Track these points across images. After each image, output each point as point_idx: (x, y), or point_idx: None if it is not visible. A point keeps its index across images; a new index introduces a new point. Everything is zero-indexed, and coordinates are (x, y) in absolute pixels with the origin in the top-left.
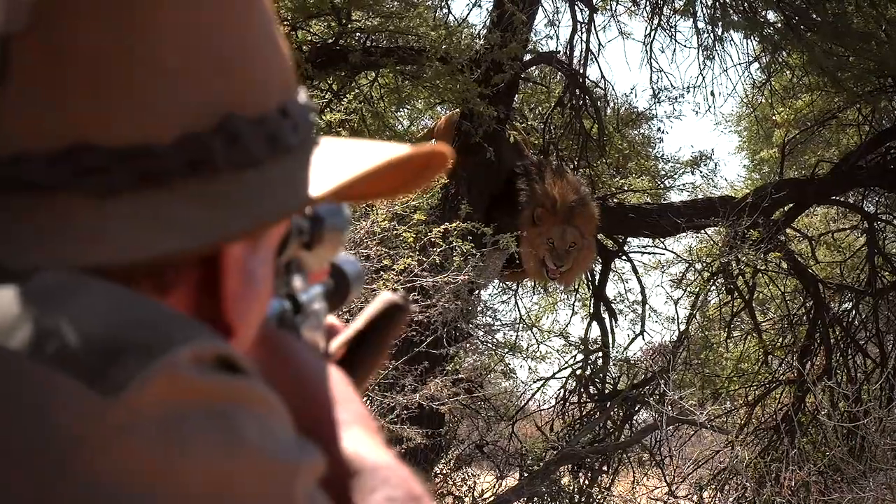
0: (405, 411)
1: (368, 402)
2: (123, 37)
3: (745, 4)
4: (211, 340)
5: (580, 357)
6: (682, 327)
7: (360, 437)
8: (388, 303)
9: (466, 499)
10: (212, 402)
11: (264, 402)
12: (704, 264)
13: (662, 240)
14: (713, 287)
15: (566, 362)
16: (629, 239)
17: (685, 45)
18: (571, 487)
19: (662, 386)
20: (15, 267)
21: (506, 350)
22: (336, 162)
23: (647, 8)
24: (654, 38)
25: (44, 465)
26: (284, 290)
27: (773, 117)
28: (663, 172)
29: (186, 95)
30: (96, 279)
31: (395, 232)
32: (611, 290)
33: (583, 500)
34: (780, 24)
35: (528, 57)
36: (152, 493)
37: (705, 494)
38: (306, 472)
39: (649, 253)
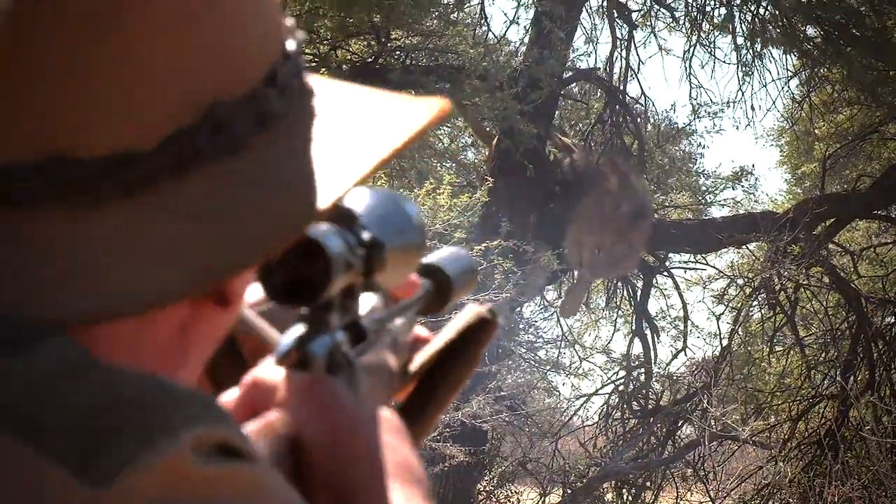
0: (447, 429)
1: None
2: (102, 38)
3: (784, 20)
4: (214, 423)
5: (622, 373)
6: (725, 343)
7: (398, 494)
8: (477, 316)
9: None
10: (206, 494)
11: (265, 489)
12: (746, 279)
13: (704, 255)
14: (755, 302)
15: (609, 378)
16: (671, 255)
17: (724, 61)
18: None
19: (705, 401)
20: None
21: (548, 367)
22: (342, 150)
23: (686, 24)
24: (693, 54)
25: None
26: (342, 321)
27: (814, 131)
28: (704, 188)
29: (169, 92)
30: (96, 362)
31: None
32: (653, 307)
33: None
34: (819, 39)
35: (567, 74)
36: None
37: None
38: None
39: (691, 269)
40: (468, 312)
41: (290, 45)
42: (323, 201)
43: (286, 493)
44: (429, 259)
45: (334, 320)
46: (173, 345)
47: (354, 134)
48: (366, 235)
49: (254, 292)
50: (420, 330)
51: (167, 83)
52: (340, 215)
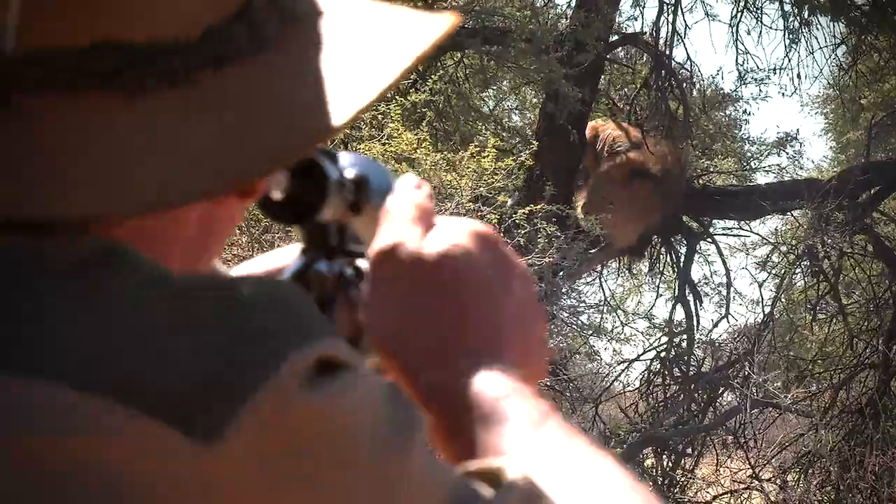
0: None
1: None
2: None
3: None
4: (318, 342)
5: (664, 339)
6: (767, 310)
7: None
8: None
9: None
10: (313, 429)
11: (364, 405)
12: (790, 246)
13: (748, 222)
14: (798, 270)
15: (650, 344)
16: (714, 221)
17: (771, 27)
18: (655, 470)
19: (747, 368)
20: (37, 215)
21: (590, 332)
22: (357, 64)
23: None
24: (740, 19)
25: None
26: (341, 251)
27: (860, 100)
28: (749, 154)
29: None
30: (190, 290)
31: (480, 213)
32: (696, 273)
33: (666, 482)
34: (866, 7)
35: (613, 38)
36: None
37: (789, 478)
38: (413, 461)
39: (734, 235)
40: None
41: None
42: (351, 107)
43: (385, 393)
44: None
45: (333, 245)
46: (196, 239)
47: (368, 46)
48: (350, 174)
49: (242, 267)
50: None
51: None
52: (325, 154)
